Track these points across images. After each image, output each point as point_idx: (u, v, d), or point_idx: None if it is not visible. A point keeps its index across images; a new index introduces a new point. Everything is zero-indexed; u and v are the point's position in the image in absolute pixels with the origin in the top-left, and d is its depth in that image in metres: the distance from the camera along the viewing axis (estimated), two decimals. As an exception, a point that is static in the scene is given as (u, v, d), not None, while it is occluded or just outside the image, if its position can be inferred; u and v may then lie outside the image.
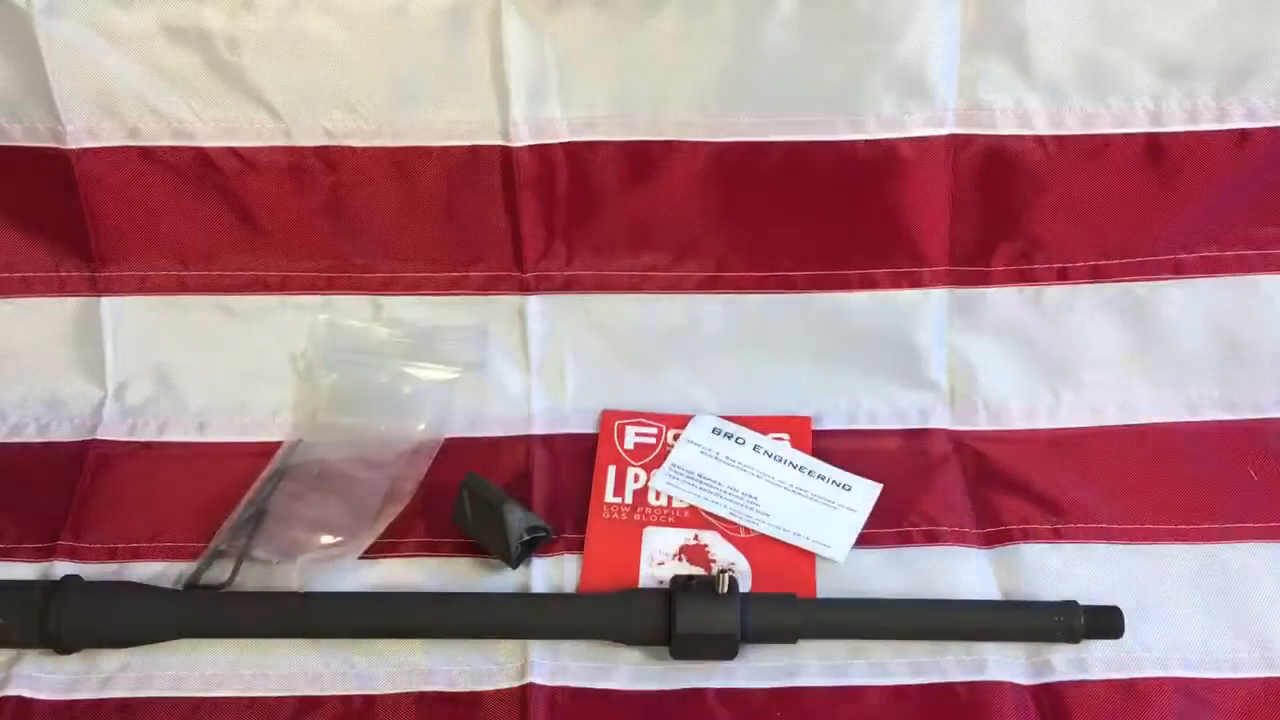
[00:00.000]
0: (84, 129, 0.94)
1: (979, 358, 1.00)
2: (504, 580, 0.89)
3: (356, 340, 1.00)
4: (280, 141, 0.95)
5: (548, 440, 0.99)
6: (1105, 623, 0.84)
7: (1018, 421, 1.00)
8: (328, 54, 0.92)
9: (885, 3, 0.90)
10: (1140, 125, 0.94)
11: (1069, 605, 0.85)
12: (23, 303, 1.00)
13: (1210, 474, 0.96)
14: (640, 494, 0.95)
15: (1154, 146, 0.94)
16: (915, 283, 0.99)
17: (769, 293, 0.99)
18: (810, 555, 0.91)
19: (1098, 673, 0.83)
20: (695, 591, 0.83)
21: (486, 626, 0.85)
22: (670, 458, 0.97)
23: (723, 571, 0.84)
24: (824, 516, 0.93)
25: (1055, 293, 0.99)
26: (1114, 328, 1.00)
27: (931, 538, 0.92)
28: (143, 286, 1.00)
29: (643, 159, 0.95)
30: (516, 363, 1.01)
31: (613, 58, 0.92)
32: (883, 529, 0.93)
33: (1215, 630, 0.86)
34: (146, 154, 0.95)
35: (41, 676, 0.83)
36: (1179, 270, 0.98)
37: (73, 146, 0.94)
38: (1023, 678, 0.83)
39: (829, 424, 1.00)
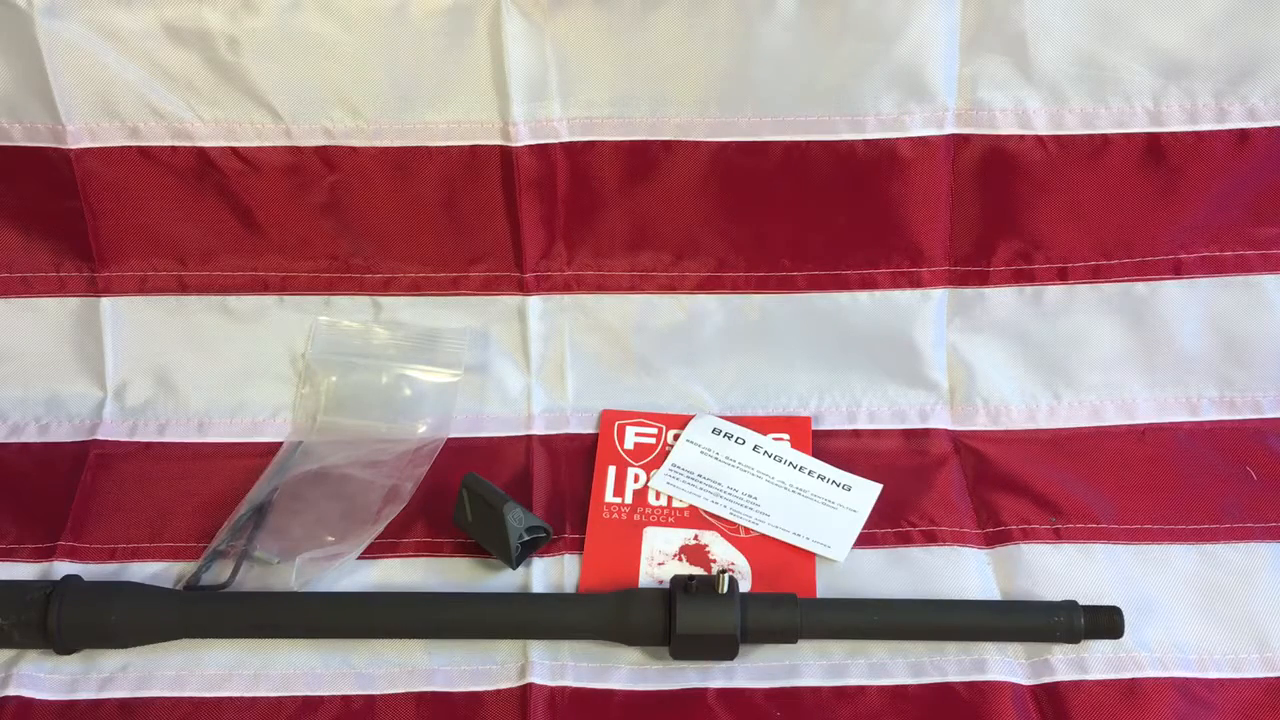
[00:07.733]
0: (84, 129, 0.94)
1: (979, 358, 1.00)
2: (504, 580, 0.89)
3: (357, 342, 1.00)
4: (280, 141, 0.95)
5: (548, 440, 0.99)
6: (1105, 623, 0.84)
7: (1017, 421, 1.00)
8: (328, 54, 0.92)
9: (885, 3, 0.90)
10: (1140, 125, 0.94)
11: (1069, 605, 0.85)
12: (23, 303, 1.00)
13: (1210, 474, 0.96)
14: (640, 494, 0.95)
15: (1154, 146, 0.94)
16: (915, 283, 0.99)
17: (769, 293, 0.99)
18: (810, 555, 0.91)
19: (1097, 673, 0.83)
20: (695, 591, 0.83)
21: (486, 626, 0.85)
22: (670, 458, 0.97)
23: (723, 571, 0.84)
24: (824, 516, 0.93)
25: (1055, 293, 0.99)
26: (1114, 328, 1.00)
27: (931, 538, 0.92)
28: (143, 286, 1.00)
29: (643, 159, 0.95)
30: (516, 363, 1.01)
31: (613, 58, 0.92)
32: (883, 529, 0.93)
33: (1215, 630, 0.86)
34: (146, 154, 0.95)
35: (41, 676, 0.83)
36: (1179, 270, 0.98)
37: (73, 146, 0.94)
38: (1023, 678, 0.83)
39: (829, 424, 1.00)
